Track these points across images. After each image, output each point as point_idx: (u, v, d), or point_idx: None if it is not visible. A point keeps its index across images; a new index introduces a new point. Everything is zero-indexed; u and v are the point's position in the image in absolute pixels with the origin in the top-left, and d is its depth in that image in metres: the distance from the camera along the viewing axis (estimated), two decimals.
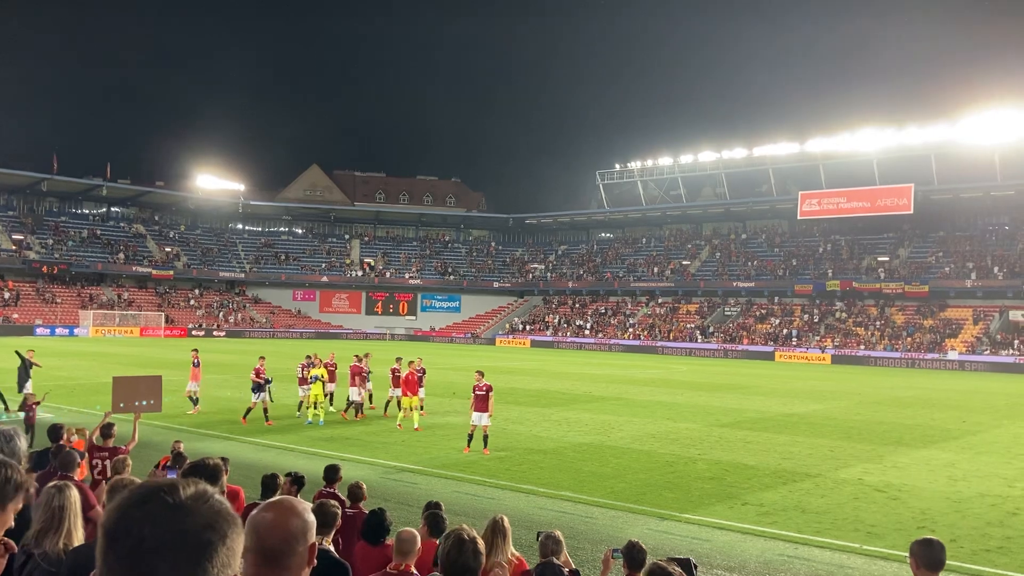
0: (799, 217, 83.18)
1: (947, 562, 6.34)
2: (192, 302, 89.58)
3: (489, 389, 18.66)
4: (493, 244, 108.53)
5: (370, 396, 25.33)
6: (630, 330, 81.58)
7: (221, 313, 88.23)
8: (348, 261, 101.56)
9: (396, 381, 23.55)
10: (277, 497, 2.69)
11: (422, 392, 23.33)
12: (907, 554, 6.35)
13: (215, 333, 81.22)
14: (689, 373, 47.00)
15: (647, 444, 20.19)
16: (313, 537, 2.53)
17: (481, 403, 18.52)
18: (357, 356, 24.82)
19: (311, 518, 2.56)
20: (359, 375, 23.68)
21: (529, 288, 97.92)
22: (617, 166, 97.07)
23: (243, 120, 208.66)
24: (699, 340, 75.49)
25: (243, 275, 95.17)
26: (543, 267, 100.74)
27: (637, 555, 5.70)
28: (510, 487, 14.99)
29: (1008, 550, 11.64)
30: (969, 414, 28.67)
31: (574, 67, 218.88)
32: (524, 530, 10.33)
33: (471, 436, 18.65)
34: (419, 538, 5.66)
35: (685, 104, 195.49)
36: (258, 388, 22.70)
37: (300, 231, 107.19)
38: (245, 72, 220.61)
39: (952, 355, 61.95)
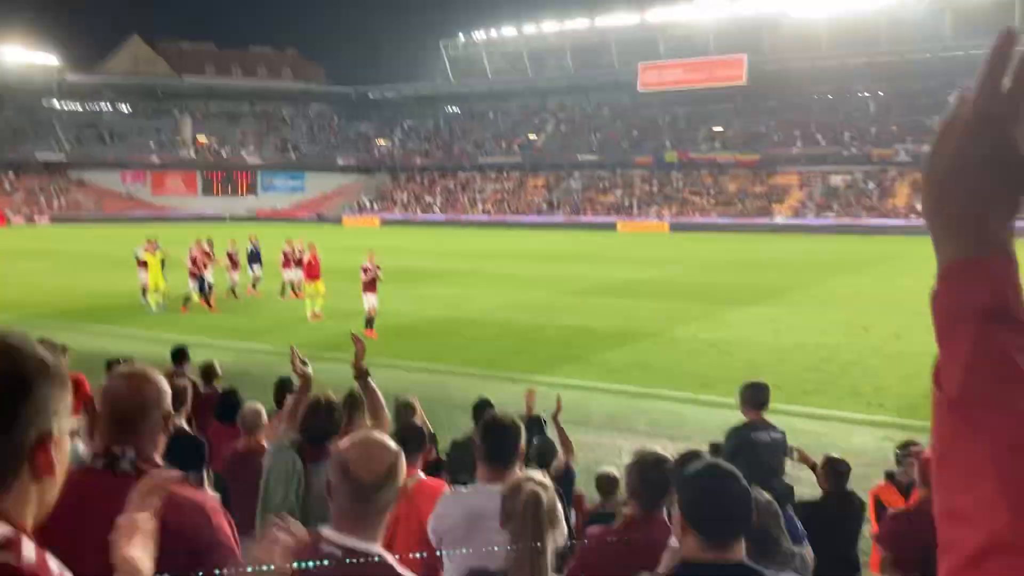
0: (639, 89, 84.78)
1: (771, 404, 7.03)
2: (7, 186, 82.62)
3: (379, 269, 18.53)
4: (336, 119, 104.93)
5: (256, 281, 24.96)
6: (480, 206, 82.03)
7: (43, 198, 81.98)
8: (180, 140, 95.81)
9: (287, 263, 23.56)
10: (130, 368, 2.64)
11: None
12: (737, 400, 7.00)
13: (36, 219, 75.60)
14: (537, 246, 48.08)
15: (498, 315, 20.75)
16: (168, 405, 2.53)
17: (372, 285, 18.29)
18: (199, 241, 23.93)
19: (165, 387, 2.54)
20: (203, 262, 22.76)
21: (376, 165, 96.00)
22: (462, 37, 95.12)
23: None
24: (546, 213, 76.96)
25: (63, 157, 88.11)
26: (389, 143, 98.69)
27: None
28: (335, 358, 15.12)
29: (822, 391, 12.93)
30: (793, 272, 30.95)
31: None
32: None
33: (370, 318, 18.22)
34: (264, 413, 5.77)
35: None
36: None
37: (125, 109, 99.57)
38: None
39: (779, 219, 66.10)
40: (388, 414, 4.33)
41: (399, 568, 2.38)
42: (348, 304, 19.90)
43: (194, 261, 22.22)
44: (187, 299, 22.20)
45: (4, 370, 1.33)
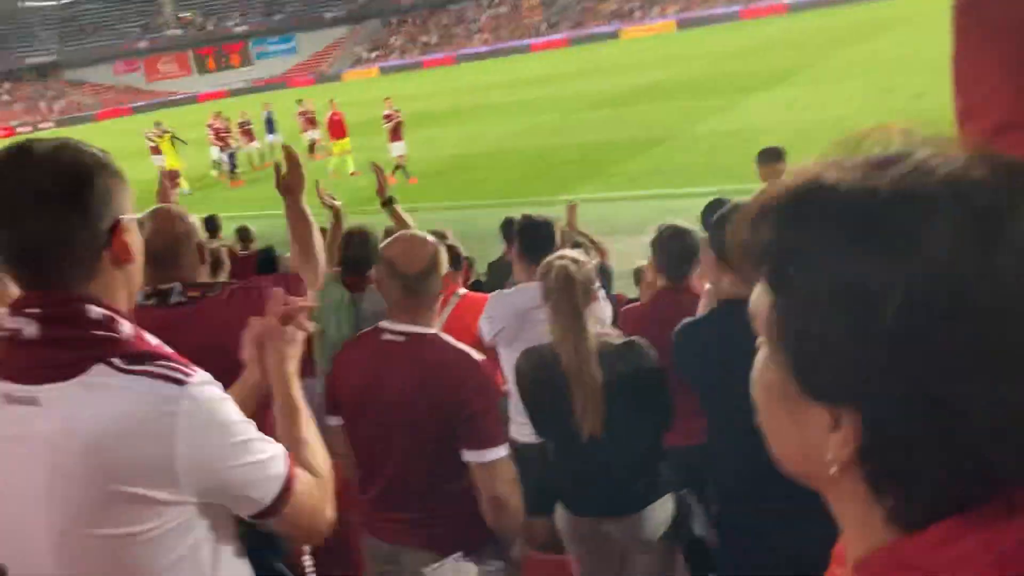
0: None
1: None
2: (4, 97, 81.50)
3: (399, 114, 18.28)
4: None
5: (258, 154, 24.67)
6: (477, 36, 79.38)
7: (43, 103, 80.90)
8: (162, 20, 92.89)
9: (308, 124, 23.49)
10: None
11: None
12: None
13: (42, 126, 74.88)
14: (541, 68, 46.79)
15: (511, 143, 20.54)
16: (199, 236, 2.65)
17: (397, 132, 18.09)
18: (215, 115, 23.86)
19: (194, 220, 2.66)
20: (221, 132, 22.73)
21: (364, 12, 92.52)
22: None
23: None
24: (546, 33, 74.34)
25: (54, 57, 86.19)
26: None
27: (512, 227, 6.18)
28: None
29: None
30: (806, 51, 29.94)
31: None
32: None
33: (398, 166, 18.15)
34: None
35: None
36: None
37: None
38: None
39: None
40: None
41: (455, 342, 2.55)
42: (376, 156, 19.81)
43: (217, 133, 22.20)
44: (232, 168, 22.23)
45: (65, 166, 1.42)
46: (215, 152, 22.81)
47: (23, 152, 1.42)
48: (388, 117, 18.31)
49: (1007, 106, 0.87)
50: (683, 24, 64.71)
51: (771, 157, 6.62)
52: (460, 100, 34.16)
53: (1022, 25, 0.86)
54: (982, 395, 0.55)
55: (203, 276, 2.70)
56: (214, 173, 23.19)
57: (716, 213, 2.77)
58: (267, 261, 6.78)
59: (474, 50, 75.97)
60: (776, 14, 60.40)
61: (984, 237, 0.57)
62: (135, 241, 1.51)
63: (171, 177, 3.75)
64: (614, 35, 67.50)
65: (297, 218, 2.91)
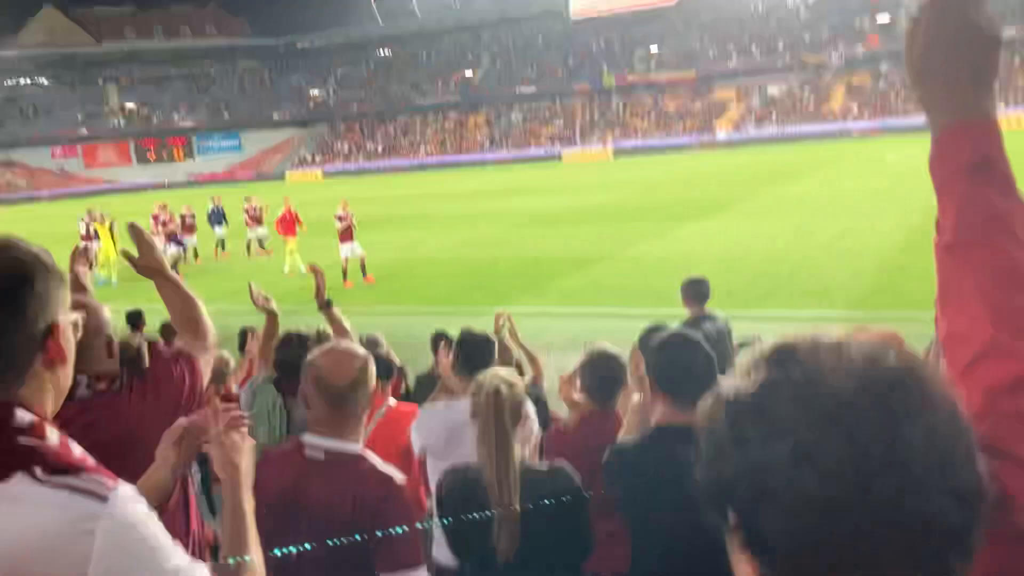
0: (572, 16, 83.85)
1: (729, 313, 7.29)
2: None
3: (352, 217, 18.42)
4: (266, 73, 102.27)
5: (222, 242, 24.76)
6: (422, 148, 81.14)
7: None
8: (107, 109, 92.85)
9: (253, 221, 23.68)
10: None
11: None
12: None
13: None
14: (483, 183, 47.86)
15: (452, 253, 20.79)
16: (109, 330, 2.65)
17: (348, 233, 18.13)
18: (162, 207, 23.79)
19: (106, 314, 2.64)
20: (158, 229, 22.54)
21: (313, 117, 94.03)
22: None
23: None
24: (489, 150, 76.43)
25: None
26: (324, 93, 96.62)
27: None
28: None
29: (774, 294, 13.28)
30: (738, 185, 31.32)
31: None
32: None
33: (345, 270, 18.13)
34: (231, 360, 5.85)
35: None
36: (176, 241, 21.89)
37: (46, 81, 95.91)
38: None
39: (721, 135, 66.43)
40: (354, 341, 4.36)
41: (380, 464, 2.50)
42: (321, 256, 19.79)
43: (163, 224, 22.05)
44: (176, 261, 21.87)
45: (5, 268, 1.41)
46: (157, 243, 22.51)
47: None
48: (340, 219, 18.38)
49: (987, 336, 1.01)
50: (620, 152, 67.31)
51: (695, 296, 6.82)
52: (401, 208, 34.59)
53: (1001, 270, 1.03)
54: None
55: (108, 367, 2.67)
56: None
57: (656, 339, 2.84)
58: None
59: (419, 160, 77.47)
60: (708, 148, 63.33)
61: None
62: (69, 341, 1.49)
63: (83, 255, 3.60)
64: (556, 156, 69.76)
65: (170, 296, 2.82)
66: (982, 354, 1.01)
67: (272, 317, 4.49)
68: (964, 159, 1.07)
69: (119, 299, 18.17)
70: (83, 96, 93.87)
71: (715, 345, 6.78)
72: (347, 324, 4.43)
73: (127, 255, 2.68)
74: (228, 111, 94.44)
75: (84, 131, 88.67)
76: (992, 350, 1.00)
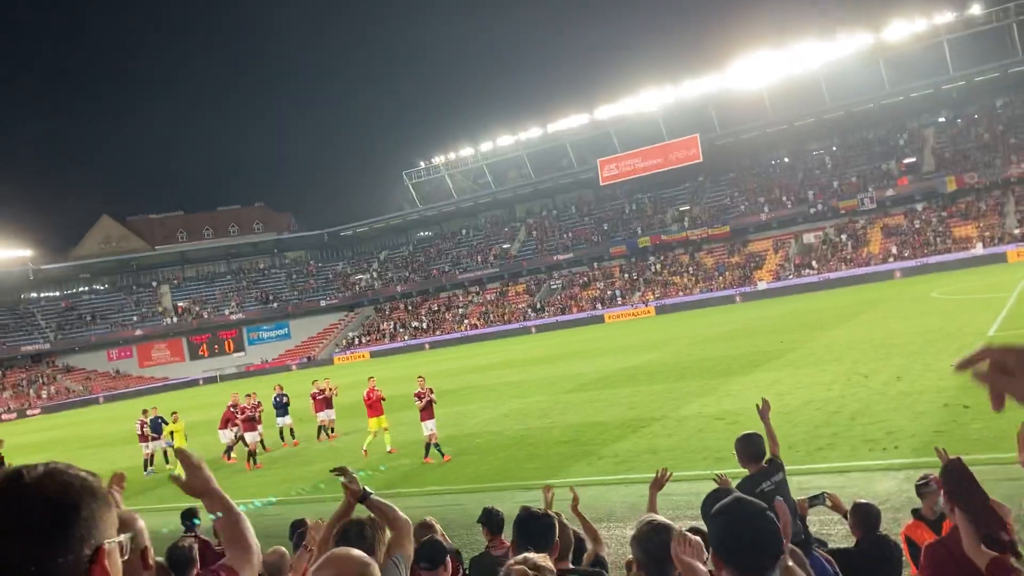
0: (602, 184, 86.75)
1: (788, 467, 7.05)
2: None
3: (431, 392, 18.29)
4: (312, 263, 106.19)
5: (291, 430, 24.57)
6: (465, 322, 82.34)
7: (32, 390, 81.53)
8: (160, 309, 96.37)
9: (319, 405, 23.81)
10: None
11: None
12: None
13: (29, 413, 74.77)
14: (528, 350, 48.05)
15: (500, 425, 20.58)
16: (143, 542, 2.54)
17: (428, 410, 17.92)
18: (235, 400, 23.78)
19: (141, 525, 2.57)
20: (238, 418, 22.57)
21: (358, 300, 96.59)
22: (423, 164, 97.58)
23: (17, 180, 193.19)
24: (532, 318, 77.26)
25: (48, 345, 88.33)
26: (368, 276, 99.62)
27: (493, 518, 6.02)
28: (376, 493, 14.90)
29: (835, 445, 12.81)
30: (785, 334, 31.02)
31: (363, 71, 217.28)
32: None
33: (428, 445, 17.79)
34: (287, 553, 5.67)
35: (476, 94, 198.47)
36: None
37: (102, 287, 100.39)
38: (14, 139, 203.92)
39: (761, 285, 66.62)
40: (407, 520, 4.12)
41: None
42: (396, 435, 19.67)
43: (243, 412, 22.20)
44: (252, 454, 21.65)
45: (53, 494, 1.43)
46: (228, 436, 22.70)
47: (11, 481, 1.45)
48: (420, 396, 18.25)
49: None
50: (662, 309, 67.62)
51: (749, 454, 6.59)
52: (448, 382, 34.65)
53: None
54: None
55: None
56: (228, 457, 22.85)
57: (717, 505, 2.73)
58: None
59: (463, 334, 78.41)
60: (751, 299, 63.33)
61: None
62: (116, 565, 1.50)
63: (120, 479, 3.74)
64: (599, 319, 70.22)
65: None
66: None
67: (351, 499, 4.24)
68: None
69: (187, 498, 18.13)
70: (137, 298, 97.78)
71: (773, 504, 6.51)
72: (397, 512, 4.23)
73: (176, 479, 2.67)
74: (276, 301, 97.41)
75: (138, 331, 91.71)
76: None
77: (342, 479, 4.21)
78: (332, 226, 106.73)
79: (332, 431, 24.06)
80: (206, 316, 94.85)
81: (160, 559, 5.85)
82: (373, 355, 79.39)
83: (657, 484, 5.62)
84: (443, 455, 17.36)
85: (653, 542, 3.53)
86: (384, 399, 20.17)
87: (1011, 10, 68.79)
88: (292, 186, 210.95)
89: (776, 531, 2.58)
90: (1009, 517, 3.73)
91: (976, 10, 69.91)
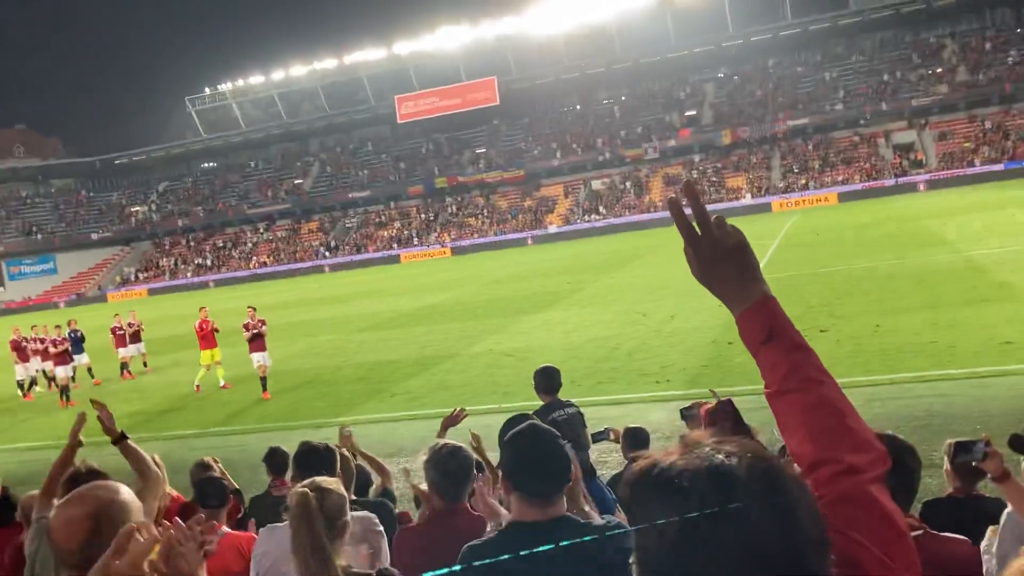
0: (400, 121, 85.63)
1: (573, 399, 7.38)
2: None
3: (263, 323, 17.30)
4: (83, 192, 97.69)
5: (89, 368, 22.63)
6: (253, 259, 79.29)
7: None
8: None
9: (120, 341, 22.25)
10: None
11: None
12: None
13: None
14: (321, 289, 47.14)
15: (291, 364, 20.10)
16: None
17: (258, 342, 16.89)
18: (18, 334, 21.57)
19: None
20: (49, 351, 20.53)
21: (135, 234, 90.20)
22: (208, 90, 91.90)
23: None
24: (326, 257, 75.66)
25: None
26: (146, 209, 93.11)
27: (276, 458, 5.89)
28: (156, 438, 14.16)
29: (615, 379, 13.56)
30: (572, 275, 32.31)
31: None
32: (175, 473, 9.88)
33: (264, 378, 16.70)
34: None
35: (267, 18, 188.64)
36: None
37: None
38: None
39: (552, 228, 68.83)
40: (158, 472, 3.81)
41: None
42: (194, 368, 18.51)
43: (54, 344, 20.37)
44: (64, 390, 19.76)
45: None
46: (20, 372, 20.87)
47: None
48: (247, 327, 17.29)
49: (810, 452, 1.39)
50: (458, 251, 68.35)
51: (546, 386, 6.96)
52: (233, 321, 33.27)
53: (809, 403, 1.43)
54: None
55: None
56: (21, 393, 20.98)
57: (510, 433, 2.78)
58: (5, 511, 5.91)
59: (251, 271, 75.56)
60: (541, 242, 65.34)
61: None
62: None
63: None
64: (395, 259, 69.90)
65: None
66: (809, 465, 1.37)
67: (72, 446, 3.88)
68: (756, 335, 1.46)
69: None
70: None
71: (567, 434, 6.83)
72: (144, 455, 3.85)
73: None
74: (40, 233, 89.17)
75: None
76: (815, 461, 1.37)
77: (99, 414, 3.86)
78: (106, 153, 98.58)
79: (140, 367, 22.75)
80: None
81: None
82: (152, 292, 74.84)
83: (452, 420, 5.67)
84: (264, 391, 16.61)
85: (451, 464, 3.58)
86: (218, 330, 18.83)
87: None
88: (60, 108, 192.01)
89: (564, 460, 2.65)
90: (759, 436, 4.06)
91: None
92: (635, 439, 6.35)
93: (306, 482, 2.83)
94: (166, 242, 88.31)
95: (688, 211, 1.50)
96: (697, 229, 1.47)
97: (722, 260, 1.47)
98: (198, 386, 18.41)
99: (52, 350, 20.42)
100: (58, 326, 21.61)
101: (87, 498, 2.11)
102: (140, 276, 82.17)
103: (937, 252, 23.88)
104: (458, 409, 5.78)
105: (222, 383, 18.45)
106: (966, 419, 9.04)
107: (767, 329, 1.45)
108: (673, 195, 1.52)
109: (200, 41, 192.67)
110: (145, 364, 23.12)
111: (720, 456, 1.08)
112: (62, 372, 20.09)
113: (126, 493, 2.15)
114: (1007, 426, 8.87)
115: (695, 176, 69.85)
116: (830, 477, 1.34)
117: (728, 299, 1.49)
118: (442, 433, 5.87)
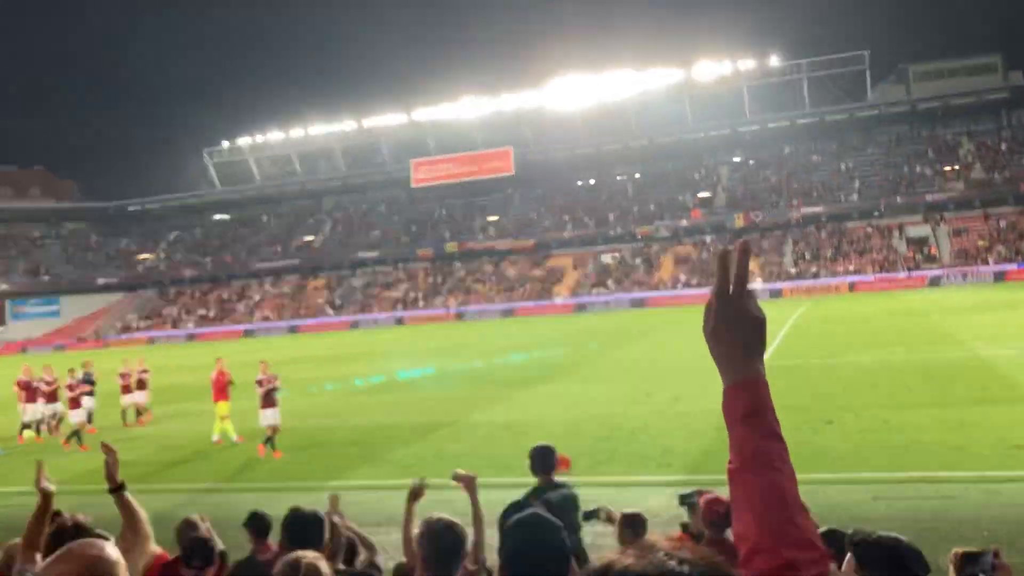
0: (414, 185, 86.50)
1: (571, 479, 7.14)
2: None
3: (276, 379, 16.90)
4: (94, 237, 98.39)
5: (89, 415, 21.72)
6: (258, 313, 79.26)
7: None
8: None
9: (126, 389, 21.85)
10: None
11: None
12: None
13: None
14: (323, 347, 46.95)
15: (287, 422, 19.75)
16: None
17: (269, 399, 16.49)
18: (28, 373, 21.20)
19: None
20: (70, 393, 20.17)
21: (141, 281, 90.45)
22: (226, 143, 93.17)
23: None
24: (330, 314, 75.59)
25: None
26: (154, 257, 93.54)
27: (259, 521, 5.69)
28: (148, 490, 13.82)
29: (615, 459, 13.26)
30: (576, 350, 32.08)
31: (158, 41, 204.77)
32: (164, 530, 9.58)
33: (270, 438, 16.31)
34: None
35: (289, 77, 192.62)
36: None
37: None
38: None
39: (559, 299, 68.81)
40: (148, 531, 3.70)
41: None
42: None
43: (72, 388, 19.99)
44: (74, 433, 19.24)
45: None
46: (32, 412, 20.62)
47: None
48: (260, 383, 16.88)
49: (756, 537, 1.39)
50: (464, 316, 68.28)
51: (541, 465, 6.78)
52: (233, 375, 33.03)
53: (763, 489, 1.43)
54: None
55: None
56: (32, 434, 20.57)
57: (510, 520, 2.68)
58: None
59: (255, 325, 75.48)
60: (548, 312, 65.19)
61: None
62: None
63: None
64: (399, 320, 69.81)
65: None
66: (750, 550, 1.38)
67: (46, 499, 3.71)
68: (740, 409, 1.47)
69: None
70: None
71: (561, 515, 6.58)
72: (142, 513, 3.77)
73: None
74: (48, 275, 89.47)
75: None
76: (756, 546, 1.37)
77: (107, 457, 3.79)
78: (119, 198, 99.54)
79: (140, 414, 22.34)
80: None
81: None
82: (151, 341, 74.60)
83: (414, 494, 5.47)
84: (275, 449, 16.19)
85: (446, 539, 3.45)
86: (233, 383, 18.45)
87: (804, 66, 75.55)
88: (78, 151, 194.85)
89: (562, 556, 2.55)
90: None
91: (775, 61, 76.15)
92: (632, 525, 6.11)
93: (296, 555, 2.76)
94: (171, 291, 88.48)
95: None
96: (730, 288, 1.49)
97: (738, 326, 1.48)
98: (219, 440, 17.92)
99: (69, 394, 20.12)
100: (71, 369, 21.31)
101: (76, 556, 2.15)
102: (142, 324, 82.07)
103: (948, 348, 23.65)
104: (418, 481, 5.56)
105: (228, 437, 18.05)
106: (974, 525, 8.74)
107: (750, 407, 1.47)
108: (726, 248, 1.52)
109: (222, 94, 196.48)
110: (139, 413, 22.70)
111: (672, 563, 1.10)
112: (76, 416, 19.71)
113: (112, 551, 2.20)
114: (1017, 535, 8.59)
115: (705, 256, 70.06)
116: (767, 571, 1.35)
117: (725, 366, 1.51)
118: (408, 509, 5.62)
